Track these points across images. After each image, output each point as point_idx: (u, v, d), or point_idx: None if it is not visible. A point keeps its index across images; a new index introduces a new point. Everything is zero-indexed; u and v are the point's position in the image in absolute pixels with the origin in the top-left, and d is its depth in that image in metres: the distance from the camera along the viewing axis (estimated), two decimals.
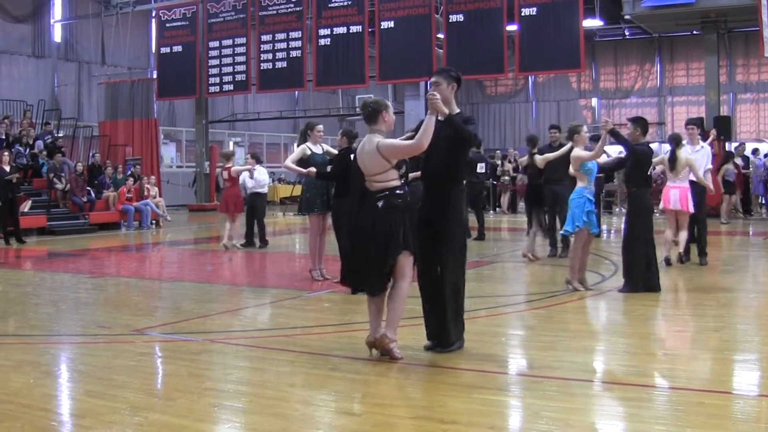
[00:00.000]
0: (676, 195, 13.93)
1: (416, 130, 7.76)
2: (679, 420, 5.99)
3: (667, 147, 15.28)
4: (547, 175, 14.61)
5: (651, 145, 12.39)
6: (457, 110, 7.80)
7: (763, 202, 25.70)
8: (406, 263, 7.45)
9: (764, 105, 39.51)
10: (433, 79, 7.86)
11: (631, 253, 11.65)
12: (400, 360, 7.42)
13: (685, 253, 14.58)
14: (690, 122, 16.09)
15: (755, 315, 10.71)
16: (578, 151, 11.71)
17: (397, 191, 7.43)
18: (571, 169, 11.89)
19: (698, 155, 14.84)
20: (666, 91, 41.40)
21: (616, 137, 11.54)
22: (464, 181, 8.00)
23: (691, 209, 13.91)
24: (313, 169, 12.47)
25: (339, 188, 12.07)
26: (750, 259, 16.27)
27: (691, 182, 14.19)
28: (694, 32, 32.83)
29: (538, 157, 13.60)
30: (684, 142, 15.09)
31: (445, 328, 7.79)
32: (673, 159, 14.01)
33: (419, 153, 7.56)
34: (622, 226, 12.25)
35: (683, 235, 14.21)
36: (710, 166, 15.46)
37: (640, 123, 11.88)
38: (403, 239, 7.36)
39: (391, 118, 7.68)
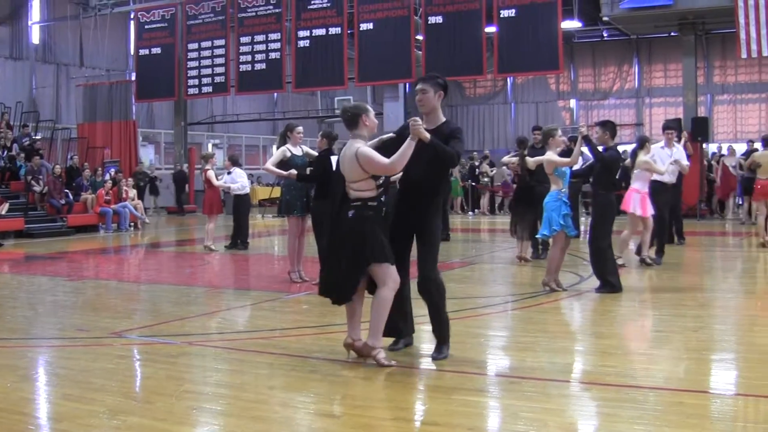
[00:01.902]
0: (636, 199, 14.07)
1: (399, 133, 7.76)
2: (657, 420, 6.02)
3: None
4: (539, 176, 14.68)
5: (628, 147, 12.49)
6: (443, 119, 7.77)
7: (740, 202, 25.81)
8: (384, 272, 7.36)
9: (741, 106, 39.72)
10: (419, 86, 7.77)
11: (600, 255, 11.71)
12: (390, 366, 7.35)
13: (658, 253, 14.67)
14: (668, 126, 16.16)
15: (732, 315, 10.77)
16: (552, 156, 11.76)
17: (370, 203, 7.38)
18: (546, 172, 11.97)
19: (675, 158, 14.93)
20: (644, 93, 41.55)
21: (587, 143, 11.63)
22: (444, 193, 8.00)
23: (646, 212, 14.01)
24: (293, 172, 12.47)
25: (319, 190, 12.08)
26: (727, 259, 16.33)
27: (659, 183, 14.35)
28: (672, 34, 32.95)
29: (529, 159, 13.64)
30: (661, 144, 15.17)
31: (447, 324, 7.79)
32: (634, 160, 14.22)
33: (392, 174, 7.55)
34: (588, 228, 12.31)
35: (645, 237, 14.34)
36: (687, 162, 15.50)
37: (608, 127, 12.06)
38: (373, 251, 7.31)
39: (373, 121, 7.64)
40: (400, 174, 7.70)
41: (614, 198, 12.26)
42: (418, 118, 7.34)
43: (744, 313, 10.97)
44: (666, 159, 14.98)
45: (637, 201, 13.97)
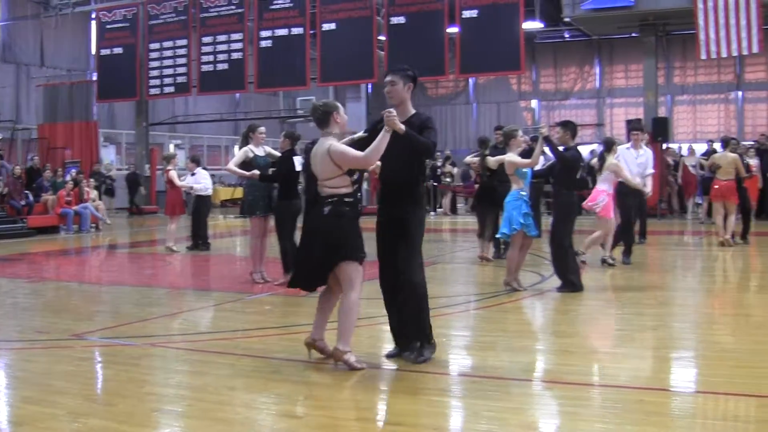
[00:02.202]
0: (602, 199, 14.17)
1: (369, 131, 7.74)
2: (618, 418, 6.07)
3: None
4: (500, 176, 14.72)
5: (589, 147, 12.59)
6: (413, 111, 7.70)
7: (700, 202, 26.03)
8: (354, 273, 7.31)
9: (701, 107, 40.05)
10: (388, 78, 7.69)
11: (561, 254, 11.79)
12: (361, 369, 7.30)
13: (626, 253, 14.78)
14: (634, 127, 16.28)
15: (692, 313, 10.88)
16: (513, 157, 11.82)
17: (346, 198, 7.31)
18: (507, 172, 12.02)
19: (642, 159, 15.04)
20: (605, 93, 41.80)
21: (548, 143, 11.70)
22: (422, 186, 7.99)
23: (597, 209, 14.12)
24: (256, 172, 12.46)
25: (282, 191, 12.07)
26: (687, 258, 16.46)
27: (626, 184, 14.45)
28: (633, 35, 33.15)
29: (490, 159, 13.69)
30: (627, 146, 15.26)
31: (426, 326, 7.74)
32: (601, 162, 14.31)
33: (367, 168, 7.52)
34: (549, 227, 12.37)
35: (607, 238, 14.45)
36: (652, 170, 15.64)
37: (569, 127, 12.14)
38: (348, 248, 7.27)
39: (344, 118, 7.59)
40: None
41: (575, 198, 12.36)
42: (392, 110, 7.30)
43: (703, 312, 11.10)
44: (632, 160, 15.07)
45: (603, 202, 14.07)
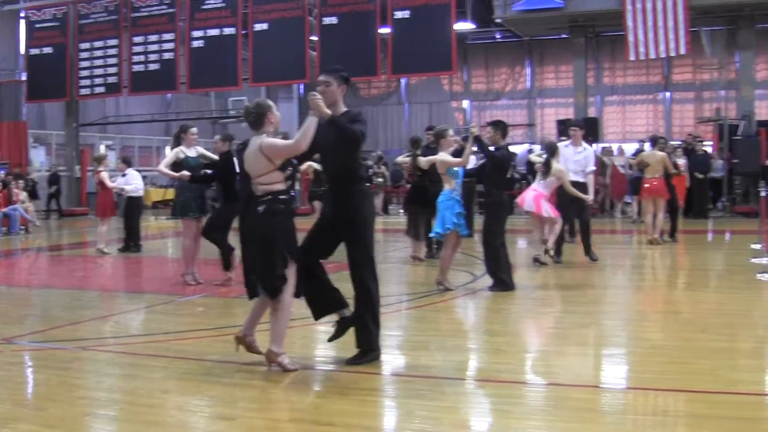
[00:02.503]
0: (529, 197, 14.30)
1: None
2: (550, 415, 6.15)
3: (537, 147, 15.55)
4: (432, 176, 14.75)
5: (520, 147, 12.68)
6: (344, 109, 7.65)
7: (629, 201, 26.34)
8: (289, 272, 7.32)
9: (630, 107, 40.54)
10: (322, 78, 7.64)
11: (493, 253, 11.88)
12: (294, 371, 7.27)
13: (557, 253, 14.90)
14: (573, 124, 16.40)
15: (622, 310, 11.02)
16: (444, 156, 11.88)
17: (281, 196, 7.26)
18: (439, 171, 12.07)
19: (580, 156, 15.12)
20: (536, 94, 42.13)
21: (478, 143, 11.78)
22: (366, 181, 7.99)
23: (546, 214, 14.24)
24: (186, 173, 12.40)
25: (223, 193, 12.06)
26: (617, 256, 16.65)
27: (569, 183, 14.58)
28: (563, 36, 33.47)
29: (422, 159, 13.73)
30: (566, 143, 15.37)
31: (369, 332, 7.69)
32: (546, 167, 14.40)
33: (299, 153, 7.45)
34: (481, 226, 12.45)
35: (553, 236, 14.56)
36: (593, 167, 15.71)
37: (500, 126, 12.23)
38: (286, 246, 7.24)
39: (277, 116, 7.53)
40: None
41: (506, 197, 12.46)
42: (316, 93, 7.29)
43: (633, 309, 11.26)
44: (571, 156, 15.13)
45: (540, 200, 14.18)
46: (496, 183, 12.03)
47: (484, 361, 8.11)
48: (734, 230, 22.07)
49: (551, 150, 14.69)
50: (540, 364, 7.99)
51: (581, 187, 14.77)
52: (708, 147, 29.93)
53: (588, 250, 14.98)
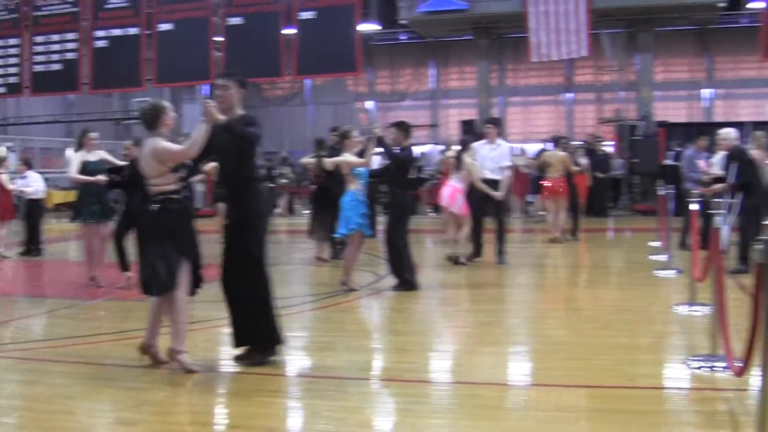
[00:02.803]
0: (446, 193, 14.41)
1: None
2: (454, 413, 6.22)
3: (440, 147, 15.61)
4: (337, 177, 14.73)
5: (424, 147, 12.75)
6: (241, 112, 7.66)
7: (531, 200, 26.66)
8: (183, 271, 7.33)
9: (533, 108, 40.99)
10: (221, 82, 7.68)
11: (397, 253, 11.93)
12: (196, 371, 7.27)
13: (475, 254, 14.95)
14: (488, 121, 16.51)
15: (525, 309, 11.19)
16: (348, 157, 11.92)
17: (173, 195, 7.28)
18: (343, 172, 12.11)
19: (495, 153, 15.14)
20: (440, 95, 42.33)
21: (381, 144, 11.84)
22: (260, 182, 7.99)
23: (457, 210, 14.33)
24: (101, 178, 12.33)
25: (132, 197, 11.96)
26: (519, 255, 16.81)
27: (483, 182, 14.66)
28: (467, 37, 33.71)
29: (326, 160, 13.72)
30: (483, 142, 15.43)
31: (266, 332, 7.70)
32: (458, 161, 14.54)
33: (189, 159, 7.45)
34: (385, 226, 12.51)
35: (461, 234, 14.65)
36: (508, 162, 15.72)
37: (402, 127, 12.29)
38: (179, 245, 7.26)
39: (171, 118, 7.54)
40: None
41: (410, 197, 12.54)
42: (210, 100, 7.31)
43: (536, 307, 11.42)
44: (487, 153, 15.15)
45: (459, 200, 14.26)
46: (399, 183, 12.10)
47: (388, 361, 8.16)
48: (634, 228, 22.50)
49: (464, 144, 14.86)
50: (444, 362, 8.07)
51: (498, 185, 14.84)
52: (609, 147, 30.43)
53: (500, 252, 14.95)
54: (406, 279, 11.89)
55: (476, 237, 14.95)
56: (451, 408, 6.41)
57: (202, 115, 7.20)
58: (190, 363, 7.25)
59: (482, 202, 14.72)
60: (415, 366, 7.73)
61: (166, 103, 7.65)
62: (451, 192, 14.41)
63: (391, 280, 12.17)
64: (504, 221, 15.08)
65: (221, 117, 7.22)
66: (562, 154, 18.41)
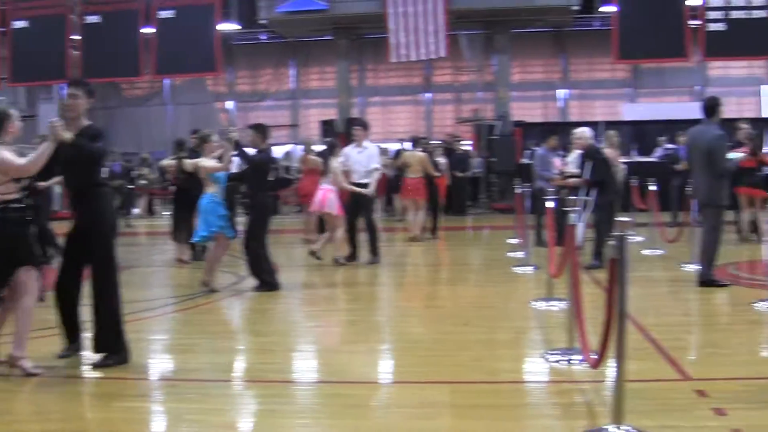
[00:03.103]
0: (319, 196, 14.41)
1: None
2: (316, 412, 6.25)
3: (299, 148, 15.59)
4: (197, 179, 14.57)
5: (286, 147, 12.74)
6: (87, 123, 7.64)
7: (391, 200, 26.83)
8: (28, 278, 7.22)
9: (392, 108, 41.24)
10: (71, 91, 7.65)
11: (255, 255, 11.90)
12: (36, 375, 7.10)
13: (352, 255, 14.93)
14: (356, 124, 16.53)
15: (386, 307, 11.31)
16: (206, 161, 11.87)
17: (13, 205, 7.14)
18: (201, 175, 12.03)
19: (363, 156, 15.14)
20: (300, 95, 42.25)
21: (237, 148, 11.79)
22: (105, 186, 7.92)
23: (331, 211, 14.34)
24: None
25: None
26: (381, 255, 16.88)
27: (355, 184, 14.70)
28: (327, 38, 33.76)
29: (187, 162, 13.59)
30: (353, 145, 15.43)
31: (108, 336, 7.57)
32: (325, 165, 14.60)
33: (29, 175, 7.35)
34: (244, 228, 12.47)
35: (336, 235, 14.67)
36: (377, 165, 15.66)
37: (259, 129, 12.26)
38: (21, 253, 7.16)
39: (17, 126, 7.43)
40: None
41: (270, 199, 12.52)
42: (56, 119, 7.23)
43: (397, 305, 11.54)
44: (355, 156, 15.10)
45: (334, 201, 14.26)
46: (257, 186, 12.06)
47: (251, 362, 8.13)
48: (492, 226, 22.90)
49: (331, 147, 14.90)
50: (307, 362, 8.10)
51: (363, 186, 14.87)
52: (467, 146, 30.86)
53: (373, 252, 14.99)
54: (265, 280, 11.85)
55: (352, 238, 14.99)
56: (315, 407, 6.43)
57: (49, 134, 7.10)
58: (30, 367, 7.12)
59: (353, 203, 14.77)
60: (278, 366, 7.72)
61: (13, 111, 7.53)
62: (323, 194, 14.40)
63: (252, 281, 12.12)
64: (374, 221, 15.15)
65: (67, 136, 7.14)
66: (421, 154, 18.61)
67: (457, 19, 28.94)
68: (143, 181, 30.55)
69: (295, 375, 7.60)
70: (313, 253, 14.56)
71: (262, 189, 12.07)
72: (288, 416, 6.13)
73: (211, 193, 11.71)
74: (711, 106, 11.29)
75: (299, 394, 6.85)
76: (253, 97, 42.53)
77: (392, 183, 23.54)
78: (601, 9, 31.20)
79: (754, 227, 16.38)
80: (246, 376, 7.55)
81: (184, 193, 14.66)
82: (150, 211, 30.91)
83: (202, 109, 41.52)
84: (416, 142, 19.47)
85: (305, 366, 7.93)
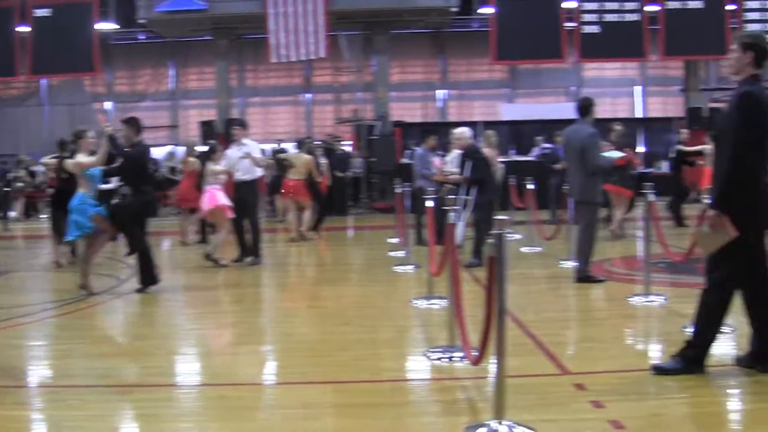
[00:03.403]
0: (206, 198, 14.30)
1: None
2: (200, 416, 6.24)
3: (181, 149, 15.49)
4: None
5: (165, 148, 12.62)
6: None
7: (270, 200, 26.78)
8: None
9: (272, 108, 41.11)
10: None
11: (140, 252, 11.74)
12: None
13: (244, 254, 14.82)
14: (233, 123, 16.46)
15: (268, 308, 11.34)
16: (81, 157, 11.67)
17: None
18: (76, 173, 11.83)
19: (242, 154, 15.00)
20: (180, 95, 41.81)
21: (112, 142, 11.61)
22: None
23: (218, 210, 14.25)
24: None
25: None
26: (263, 256, 16.83)
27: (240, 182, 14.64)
28: (207, 38, 33.50)
29: (68, 162, 13.34)
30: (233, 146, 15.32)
31: None
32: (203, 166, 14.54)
33: None
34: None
35: (218, 237, 14.56)
36: (257, 154, 15.53)
37: (132, 124, 12.06)
38: None
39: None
40: None
41: (150, 197, 12.35)
42: None
43: (279, 306, 11.58)
44: (236, 155, 14.98)
45: (223, 198, 14.14)
46: (134, 182, 11.84)
47: (132, 366, 8.01)
48: (373, 226, 23.03)
49: (211, 151, 14.81)
50: (190, 365, 8.06)
51: (247, 185, 14.79)
52: (347, 147, 30.98)
53: (256, 253, 14.91)
54: (147, 280, 11.68)
55: (240, 238, 14.91)
56: (199, 411, 6.42)
57: None
58: None
59: (239, 203, 14.69)
60: (161, 370, 7.66)
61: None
62: (210, 195, 14.29)
63: (134, 284, 11.97)
64: (258, 222, 15.10)
65: None
66: (307, 157, 18.62)
67: (337, 20, 29.01)
68: (19, 184, 29.90)
69: (178, 378, 7.55)
70: (207, 257, 14.44)
71: (139, 185, 11.82)
72: (171, 420, 6.10)
73: (83, 193, 11.50)
74: (585, 107, 11.68)
75: (182, 398, 6.81)
76: (131, 98, 41.91)
77: (273, 184, 23.48)
78: (480, 10, 31.59)
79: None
80: (128, 380, 7.42)
81: (64, 194, 14.41)
82: (27, 214, 30.28)
83: (80, 109, 40.78)
84: (301, 144, 19.45)
85: (188, 369, 7.89)
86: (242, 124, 15.92)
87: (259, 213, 16.14)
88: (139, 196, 11.83)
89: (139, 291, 11.69)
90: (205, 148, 16.81)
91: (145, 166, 12.31)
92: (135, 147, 11.90)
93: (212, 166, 14.41)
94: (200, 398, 6.78)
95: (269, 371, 7.80)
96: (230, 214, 14.31)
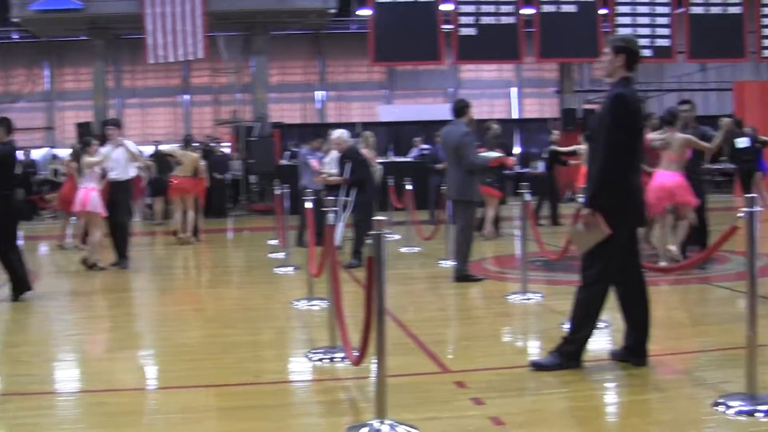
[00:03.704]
0: (80, 196, 14.05)
1: None
2: (80, 423, 6.15)
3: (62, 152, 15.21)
4: None
5: (40, 150, 12.36)
6: None
7: (149, 202, 26.48)
8: None
9: (150, 109, 40.70)
10: None
11: (7, 256, 11.45)
12: None
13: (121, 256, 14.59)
14: (107, 123, 16.26)
15: (147, 312, 11.21)
16: None
17: None
18: None
19: (117, 153, 14.76)
20: (56, 96, 41.05)
21: None
22: None
23: (93, 210, 14.02)
24: None
25: None
26: (140, 259, 16.51)
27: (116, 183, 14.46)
28: (83, 38, 32.96)
29: None
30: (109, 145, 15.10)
31: None
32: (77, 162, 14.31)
33: None
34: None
35: (93, 239, 14.33)
36: (134, 161, 15.38)
37: (3, 123, 11.75)
38: None
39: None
40: None
41: (20, 198, 12.08)
42: None
43: (158, 310, 11.45)
44: (110, 155, 14.74)
45: (97, 200, 13.90)
46: (3, 183, 11.46)
47: (7, 374, 7.77)
48: (252, 228, 23.02)
49: (84, 144, 14.59)
50: (67, 371, 7.93)
51: (122, 185, 14.63)
52: (226, 148, 30.85)
53: (122, 255, 14.68)
54: (16, 285, 11.37)
55: (116, 240, 14.72)
56: (78, 418, 6.33)
57: None
58: None
59: (111, 203, 14.49)
60: (37, 377, 7.48)
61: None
62: (85, 194, 14.04)
63: (5, 290, 11.68)
64: (126, 224, 14.90)
65: None
66: (194, 155, 18.56)
67: (215, 21, 28.85)
68: None
69: (56, 385, 7.43)
70: (83, 261, 14.19)
71: (6, 186, 11.46)
72: (50, 428, 6.01)
73: None
74: (459, 108, 11.98)
75: (61, 405, 6.71)
76: (5, 99, 40.95)
77: (153, 185, 23.27)
78: (358, 12, 31.75)
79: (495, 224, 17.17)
80: (3, 389, 7.25)
81: None
82: None
83: None
84: (187, 142, 19.35)
85: (66, 375, 7.76)
86: (116, 123, 15.73)
87: (133, 215, 15.92)
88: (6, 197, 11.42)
89: (14, 300, 11.36)
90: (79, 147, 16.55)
91: (12, 166, 11.94)
92: (4, 146, 11.47)
93: (87, 158, 14.16)
94: (80, 405, 6.68)
95: (150, 376, 7.74)
96: (103, 213, 14.10)
